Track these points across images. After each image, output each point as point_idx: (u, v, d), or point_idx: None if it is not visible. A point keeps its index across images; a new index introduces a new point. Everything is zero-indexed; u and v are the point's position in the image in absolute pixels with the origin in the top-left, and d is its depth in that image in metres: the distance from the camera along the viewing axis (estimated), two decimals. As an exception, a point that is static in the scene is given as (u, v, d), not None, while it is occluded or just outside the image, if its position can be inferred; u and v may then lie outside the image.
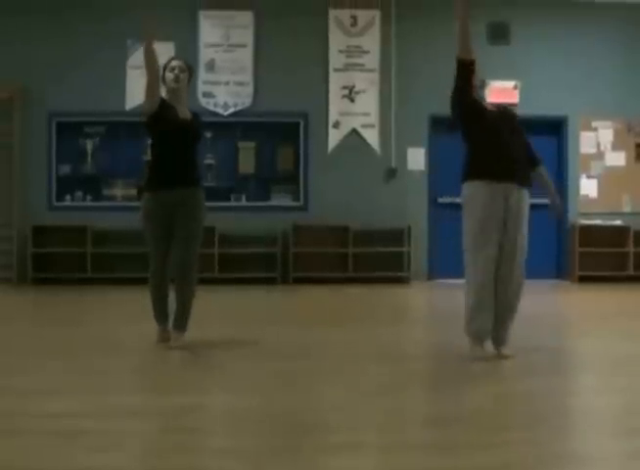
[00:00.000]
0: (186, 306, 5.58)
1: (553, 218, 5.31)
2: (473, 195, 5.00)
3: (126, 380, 4.56)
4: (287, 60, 11.33)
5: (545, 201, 11.67)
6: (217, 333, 6.37)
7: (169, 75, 5.54)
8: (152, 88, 5.51)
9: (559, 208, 5.70)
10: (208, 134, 11.16)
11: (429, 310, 8.04)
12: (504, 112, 5.32)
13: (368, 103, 11.44)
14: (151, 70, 5.50)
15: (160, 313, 5.65)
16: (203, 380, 4.62)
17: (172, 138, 5.49)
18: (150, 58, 5.49)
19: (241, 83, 11.35)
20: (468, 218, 5.00)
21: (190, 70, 5.69)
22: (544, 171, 5.51)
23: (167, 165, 5.53)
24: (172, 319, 5.62)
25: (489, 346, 5.15)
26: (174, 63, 5.62)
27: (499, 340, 5.16)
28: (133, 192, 11.08)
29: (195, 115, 5.75)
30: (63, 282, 10.77)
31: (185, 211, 5.56)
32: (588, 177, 11.76)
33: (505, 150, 5.00)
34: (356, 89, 11.44)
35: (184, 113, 5.59)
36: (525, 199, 5.14)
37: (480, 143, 5.07)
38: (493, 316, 5.03)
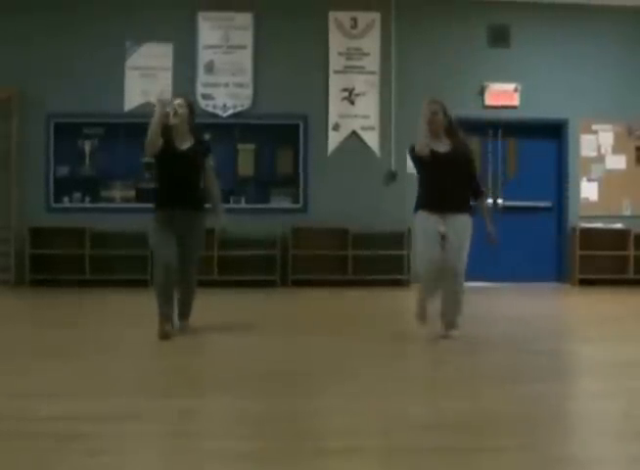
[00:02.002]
0: (188, 300, 6.38)
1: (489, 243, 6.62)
2: (419, 222, 6.30)
3: (125, 382, 4.52)
4: (286, 62, 11.30)
5: (546, 204, 11.70)
6: (216, 336, 6.34)
7: (170, 110, 6.08)
8: (153, 145, 6.09)
9: (492, 236, 6.58)
10: (207, 136, 11.14)
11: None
12: (455, 152, 6.22)
13: (368, 105, 11.41)
14: (154, 139, 6.07)
15: (168, 312, 6.12)
16: (202, 383, 4.59)
17: (171, 166, 6.13)
18: (155, 138, 6.05)
19: (240, 85, 11.32)
20: (418, 238, 6.41)
21: (190, 106, 6.29)
22: (483, 203, 6.63)
23: (168, 189, 6.18)
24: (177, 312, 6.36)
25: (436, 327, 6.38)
26: (176, 101, 6.22)
27: (449, 324, 6.31)
28: (132, 193, 11.06)
29: (200, 142, 6.39)
30: (61, 284, 10.73)
31: (188, 230, 6.23)
32: (589, 180, 11.73)
33: (444, 190, 6.16)
34: (356, 91, 11.41)
35: (182, 144, 6.18)
36: (463, 220, 6.29)
37: (427, 185, 6.31)
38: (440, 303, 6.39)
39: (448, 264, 6.20)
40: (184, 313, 6.42)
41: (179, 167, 6.12)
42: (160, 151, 6.09)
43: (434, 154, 6.13)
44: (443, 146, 6.21)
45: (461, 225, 6.27)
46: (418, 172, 6.38)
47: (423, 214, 6.25)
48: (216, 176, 6.44)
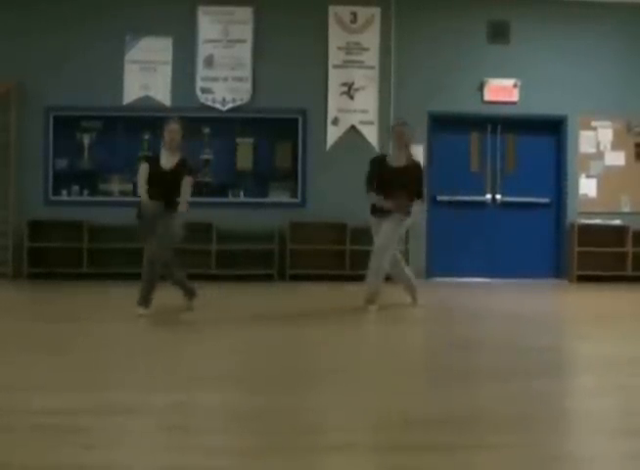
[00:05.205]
0: (176, 280, 7.45)
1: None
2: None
3: (123, 376, 4.52)
4: (286, 56, 11.28)
5: (545, 200, 11.71)
6: (213, 330, 6.34)
7: (167, 137, 7.29)
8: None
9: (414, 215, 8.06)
10: (206, 130, 11.16)
11: (426, 309, 8.01)
12: (404, 166, 7.78)
13: (367, 100, 11.40)
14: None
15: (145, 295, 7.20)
16: (199, 377, 4.59)
17: (156, 178, 7.23)
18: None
19: (239, 79, 11.31)
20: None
21: (183, 129, 7.41)
22: (418, 204, 8.08)
23: (151, 193, 7.22)
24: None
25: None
26: (172, 126, 7.33)
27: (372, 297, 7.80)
28: (130, 187, 11.05)
29: (183, 162, 7.31)
30: (59, 277, 10.73)
31: (161, 223, 7.20)
32: (587, 177, 11.73)
33: (391, 194, 7.67)
34: (355, 86, 11.39)
35: (168, 163, 7.29)
36: (394, 218, 7.72)
37: (379, 189, 7.83)
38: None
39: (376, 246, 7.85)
40: (183, 293, 7.55)
41: (162, 181, 7.21)
42: (150, 167, 7.31)
43: (385, 172, 7.82)
44: (399, 160, 7.85)
45: (391, 222, 7.75)
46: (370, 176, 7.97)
47: (373, 220, 7.98)
48: (191, 185, 7.39)
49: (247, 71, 11.33)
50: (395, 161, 7.88)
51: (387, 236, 7.71)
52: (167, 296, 7.93)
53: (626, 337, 6.34)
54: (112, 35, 11.10)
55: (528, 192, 11.66)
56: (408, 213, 7.83)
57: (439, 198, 11.57)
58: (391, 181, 7.73)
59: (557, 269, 11.80)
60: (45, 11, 11.14)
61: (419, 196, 7.97)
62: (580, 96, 11.57)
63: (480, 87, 11.52)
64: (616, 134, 11.74)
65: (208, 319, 6.97)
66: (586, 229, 11.48)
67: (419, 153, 11.46)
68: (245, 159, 11.41)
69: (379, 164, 8.02)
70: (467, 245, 11.51)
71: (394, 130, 8.09)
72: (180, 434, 3.31)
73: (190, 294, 7.58)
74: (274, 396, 4.03)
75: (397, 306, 8.01)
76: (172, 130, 7.33)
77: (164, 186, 7.20)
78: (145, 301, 7.10)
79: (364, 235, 11.24)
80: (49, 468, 2.85)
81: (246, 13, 11.29)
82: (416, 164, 8.02)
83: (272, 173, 11.45)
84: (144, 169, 7.33)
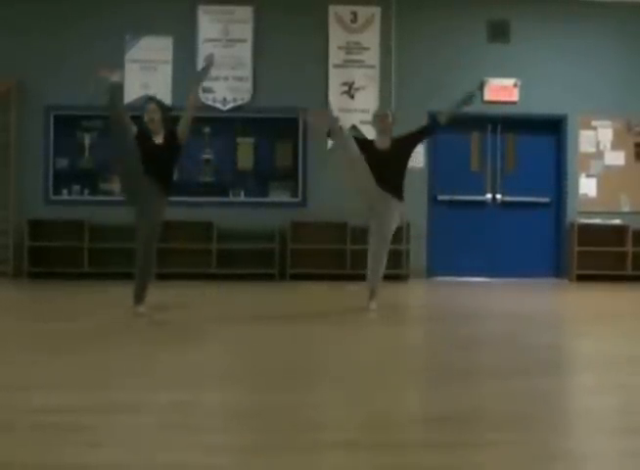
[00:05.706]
0: (140, 277, 7.18)
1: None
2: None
3: (125, 375, 4.53)
4: (286, 55, 11.30)
5: (545, 200, 11.62)
6: (215, 329, 6.35)
7: (146, 119, 6.99)
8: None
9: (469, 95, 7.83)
10: (207, 129, 11.16)
11: (427, 309, 8.02)
12: (390, 146, 7.53)
13: (367, 99, 11.41)
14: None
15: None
16: (201, 376, 4.59)
17: (148, 155, 6.90)
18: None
19: (240, 79, 11.32)
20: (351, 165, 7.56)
21: (162, 108, 7.12)
22: (442, 114, 7.71)
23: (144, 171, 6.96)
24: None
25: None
26: (148, 107, 7.06)
27: (371, 295, 7.51)
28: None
29: (170, 134, 7.01)
30: (59, 277, 10.74)
31: (147, 202, 7.06)
32: (587, 176, 11.75)
33: (381, 176, 7.47)
34: (356, 86, 11.41)
35: (156, 139, 7.02)
36: (394, 203, 7.56)
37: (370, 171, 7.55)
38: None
39: (376, 236, 7.63)
40: (136, 294, 7.15)
41: (155, 157, 6.94)
42: (141, 141, 6.94)
43: (370, 149, 7.54)
44: (384, 143, 7.58)
45: (391, 207, 7.58)
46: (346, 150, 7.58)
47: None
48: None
49: (247, 71, 11.35)
50: (381, 144, 7.64)
51: (388, 237, 7.69)
52: (168, 294, 7.96)
53: (626, 335, 6.34)
54: (112, 34, 11.12)
55: (528, 191, 11.68)
56: (400, 198, 7.67)
57: (440, 197, 11.57)
58: (381, 162, 7.52)
59: (557, 269, 11.82)
60: (45, 10, 11.16)
61: (432, 126, 7.89)
62: (580, 95, 11.59)
63: (481, 87, 11.53)
64: (615, 134, 11.75)
65: (209, 318, 6.97)
66: (586, 229, 11.50)
67: (419, 152, 11.50)
68: (245, 158, 11.43)
69: (368, 144, 7.76)
70: (467, 244, 11.53)
71: (377, 116, 7.84)
72: (181, 432, 3.31)
73: (139, 297, 7.15)
74: (274, 394, 4.04)
75: (398, 306, 8.01)
76: (149, 110, 7.05)
77: (158, 163, 6.96)
78: (140, 298, 7.09)
79: (365, 234, 11.28)
80: (50, 467, 2.85)
81: (246, 12, 11.31)
82: (398, 138, 7.71)
83: (273, 173, 11.47)
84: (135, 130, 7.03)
